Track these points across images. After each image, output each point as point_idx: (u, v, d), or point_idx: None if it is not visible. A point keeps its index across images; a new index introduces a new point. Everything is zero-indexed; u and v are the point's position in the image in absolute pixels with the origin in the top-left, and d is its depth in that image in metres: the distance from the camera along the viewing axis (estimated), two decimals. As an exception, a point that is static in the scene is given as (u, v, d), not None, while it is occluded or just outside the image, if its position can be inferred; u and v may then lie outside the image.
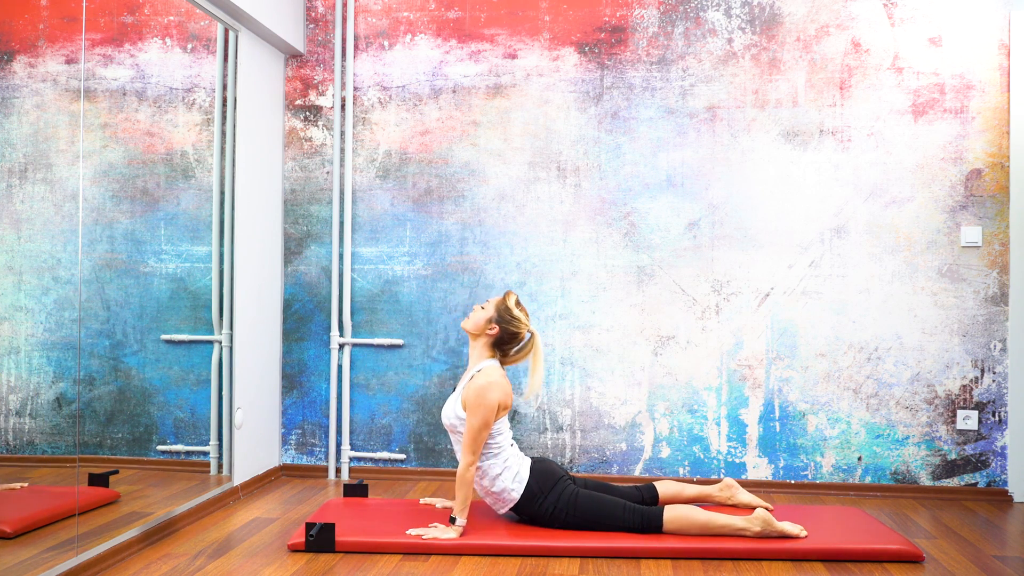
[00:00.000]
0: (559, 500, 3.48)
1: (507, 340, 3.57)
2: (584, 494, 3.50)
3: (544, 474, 3.53)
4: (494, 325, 3.54)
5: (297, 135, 4.75)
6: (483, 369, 3.52)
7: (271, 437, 4.61)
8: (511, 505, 3.54)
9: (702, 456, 4.48)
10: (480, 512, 3.73)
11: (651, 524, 3.44)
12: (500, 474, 3.51)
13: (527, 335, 3.60)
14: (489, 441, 3.49)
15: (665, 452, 4.51)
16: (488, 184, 4.62)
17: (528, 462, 3.58)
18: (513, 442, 3.62)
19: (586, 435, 4.55)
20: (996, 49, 4.38)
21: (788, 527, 3.40)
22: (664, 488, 3.72)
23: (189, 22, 3.85)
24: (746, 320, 4.48)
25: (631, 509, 3.47)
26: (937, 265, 4.39)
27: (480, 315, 3.57)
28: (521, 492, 3.50)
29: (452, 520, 3.42)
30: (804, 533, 3.41)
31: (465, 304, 4.60)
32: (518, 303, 3.58)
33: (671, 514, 3.44)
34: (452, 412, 3.53)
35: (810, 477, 4.44)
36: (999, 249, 4.35)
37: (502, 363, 3.62)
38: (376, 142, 4.69)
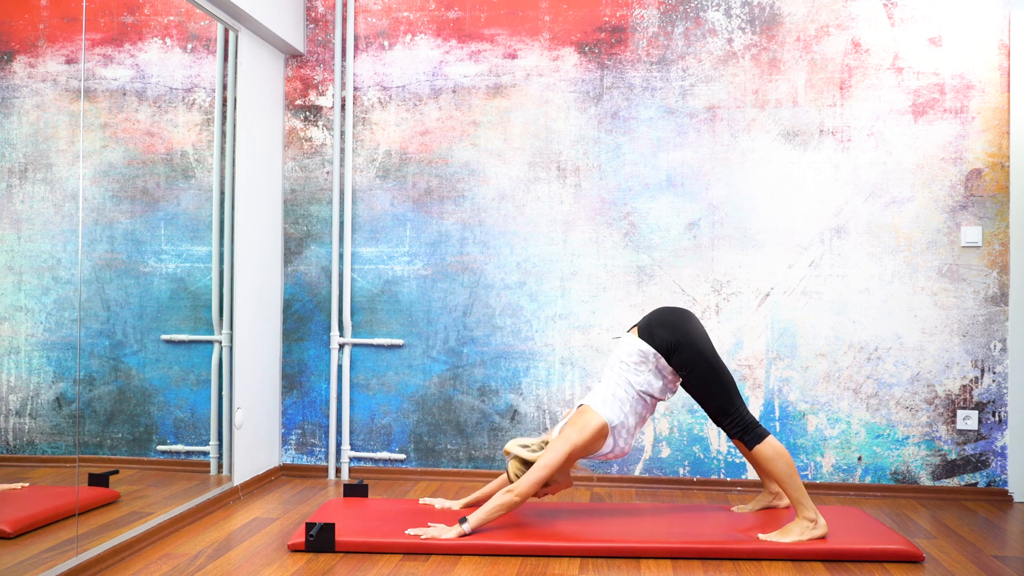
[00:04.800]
0: (693, 347, 3.48)
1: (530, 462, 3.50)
2: (720, 361, 3.55)
3: (666, 325, 3.51)
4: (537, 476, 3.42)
5: (297, 135, 4.75)
6: (582, 420, 3.47)
7: (271, 437, 4.61)
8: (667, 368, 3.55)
9: (702, 456, 4.48)
10: (480, 512, 3.73)
11: (753, 432, 3.46)
12: (633, 391, 3.52)
13: (537, 449, 3.54)
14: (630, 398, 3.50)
15: (665, 452, 4.51)
16: (488, 184, 4.62)
17: (631, 343, 3.54)
18: (631, 393, 3.52)
19: (586, 435, 4.55)
20: (996, 49, 4.38)
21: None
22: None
23: (189, 22, 3.85)
24: (746, 320, 4.48)
25: (746, 408, 3.53)
26: (937, 265, 4.39)
27: (533, 478, 3.42)
28: (659, 353, 3.49)
29: (462, 521, 3.38)
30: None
31: (465, 304, 4.60)
32: (510, 456, 3.54)
33: (773, 441, 3.47)
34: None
35: (810, 477, 4.44)
36: (999, 249, 4.35)
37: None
38: (376, 142, 4.69)
